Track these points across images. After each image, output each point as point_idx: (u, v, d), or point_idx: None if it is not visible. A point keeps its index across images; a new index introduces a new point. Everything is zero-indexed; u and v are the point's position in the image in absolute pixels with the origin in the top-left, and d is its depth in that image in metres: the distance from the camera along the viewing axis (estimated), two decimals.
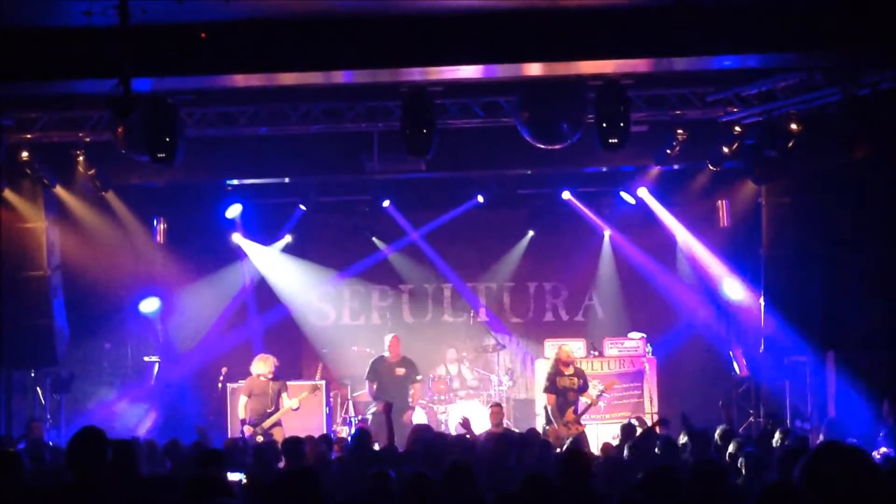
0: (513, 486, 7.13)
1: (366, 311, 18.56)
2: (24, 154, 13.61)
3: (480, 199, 17.00)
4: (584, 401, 14.09)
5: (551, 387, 13.92)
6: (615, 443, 11.97)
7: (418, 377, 15.68)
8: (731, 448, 9.65)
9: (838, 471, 3.91)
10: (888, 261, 13.19)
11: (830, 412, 14.09)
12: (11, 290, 14.21)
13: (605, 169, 15.60)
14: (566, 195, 16.85)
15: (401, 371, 15.46)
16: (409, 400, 15.42)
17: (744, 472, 8.78)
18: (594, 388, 14.28)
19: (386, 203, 17.17)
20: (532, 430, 11.76)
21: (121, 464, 6.35)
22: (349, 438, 12.90)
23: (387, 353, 15.61)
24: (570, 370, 13.95)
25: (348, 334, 18.26)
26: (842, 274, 13.64)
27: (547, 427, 13.73)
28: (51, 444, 12.55)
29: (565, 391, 13.84)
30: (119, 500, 6.07)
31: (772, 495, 6.00)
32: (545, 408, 14.12)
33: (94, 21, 9.03)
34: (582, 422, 13.82)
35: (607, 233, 17.65)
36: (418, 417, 15.31)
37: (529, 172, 15.78)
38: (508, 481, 7.78)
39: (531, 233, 17.79)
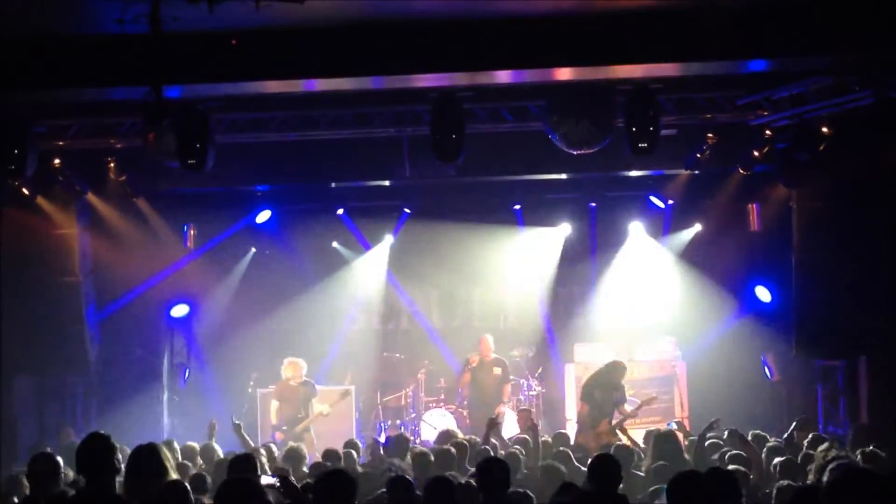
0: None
1: (395, 316, 18.58)
2: (57, 161, 13.68)
3: (517, 207, 17.10)
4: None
5: (586, 396, 13.87)
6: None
7: (511, 378, 15.94)
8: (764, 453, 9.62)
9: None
10: None
11: (863, 418, 14.00)
12: (44, 297, 14.32)
13: (634, 173, 15.54)
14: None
15: (497, 371, 15.70)
16: (503, 397, 15.67)
17: (777, 477, 8.73)
18: (630, 405, 14.19)
19: (407, 210, 17.31)
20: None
21: (146, 468, 6.40)
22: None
23: (477, 354, 15.79)
24: (611, 384, 13.87)
25: (378, 339, 18.32)
26: (874, 277, 13.55)
27: (579, 435, 13.69)
28: None
29: (601, 404, 13.78)
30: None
31: (801, 500, 6.00)
32: (578, 415, 14.09)
33: (125, 29, 9.10)
34: (618, 433, 13.69)
35: (637, 237, 17.60)
36: (509, 415, 15.43)
37: (562, 177, 15.73)
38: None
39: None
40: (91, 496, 6.04)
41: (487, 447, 10.72)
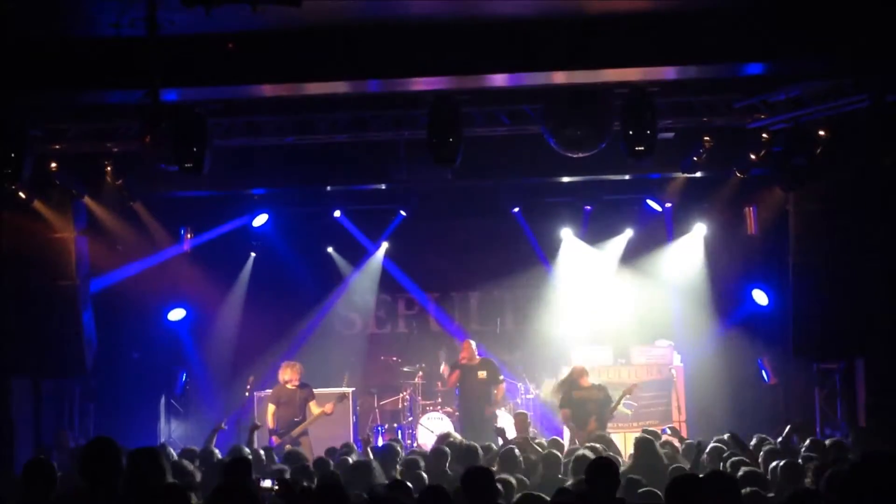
0: None
1: (392, 320, 18.58)
2: (53, 165, 13.65)
3: (517, 210, 17.09)
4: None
5: (566, 401, 13.94)
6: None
7: (500, 377, 15.72)
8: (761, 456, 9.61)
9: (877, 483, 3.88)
10: None
11: (860, 421, 14.00)
12: (40, 300, 14.30)
13: (631, 177, 15.54)
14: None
15: (482, 374, 15.49)
16: (493, 400, 15.49)
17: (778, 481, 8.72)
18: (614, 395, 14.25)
19: (403, 213, 17.31)
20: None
21: (145, 472, 6.38)
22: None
23: (461, 357, 15.73)
24: (588, 383, 13.95)
25: (375, 342, 18.31)
26: (871, 280, 13.55)
27: (571, 441, 13.69)
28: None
29: (584, 402, 13.83)
30: None
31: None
32: (565, 422, 14.13)
33: (122, 32, 9.09)
34: (607, 430, 13.74)
35: (633, 240, 17.59)
36: (503, 419, 15.32)
37: (559, 180, 15.71)
38: None
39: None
40: (94, 499, 6.01)
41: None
